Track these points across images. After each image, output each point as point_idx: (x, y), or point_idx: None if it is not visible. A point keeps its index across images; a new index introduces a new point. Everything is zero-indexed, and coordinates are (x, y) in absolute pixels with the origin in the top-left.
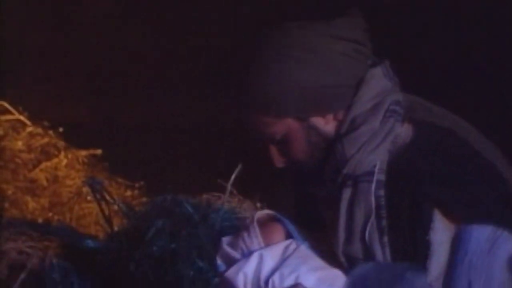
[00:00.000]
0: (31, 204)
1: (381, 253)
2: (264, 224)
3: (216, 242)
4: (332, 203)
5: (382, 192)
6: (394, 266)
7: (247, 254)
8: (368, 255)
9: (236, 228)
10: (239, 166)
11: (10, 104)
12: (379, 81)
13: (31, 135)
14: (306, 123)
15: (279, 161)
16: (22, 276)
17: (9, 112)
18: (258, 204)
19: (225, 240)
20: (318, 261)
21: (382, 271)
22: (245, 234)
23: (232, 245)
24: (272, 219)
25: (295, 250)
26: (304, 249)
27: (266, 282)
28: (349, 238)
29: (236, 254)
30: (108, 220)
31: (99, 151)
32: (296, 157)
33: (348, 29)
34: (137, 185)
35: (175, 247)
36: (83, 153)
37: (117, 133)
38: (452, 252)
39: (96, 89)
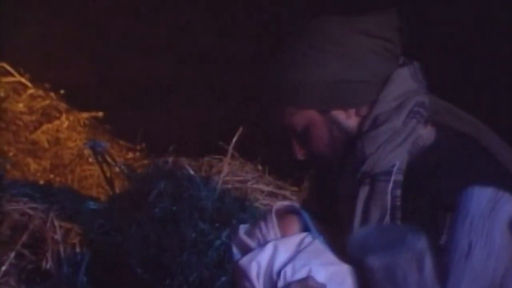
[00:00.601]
0: (33, 166)
1: None
2: (282, 215)
3: (217, 204)
4: (349, 200)
5: (398, 193)
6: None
7: (263, 244)
8: None
9: (238, 190)
10: (241, 129)
11: (11, 66)
12: (405, 81)
13: (32, 97)
14: (328, 116)
15: (299, 153)
16: (24, 237)
17: (10, 74)
18: (259, 167)
19: (242, 228)
20: (331, 256)
21: (382, 234)
22: (262, 224)
23: (249, 233)
24: (290, 211)
25: (310, 243)
26: (319, 243)
27: (278, 273)
28: None
29: (251, 243)
30: (110, 182)
31: (100, 114)
32: (316, 150)
33: (379, 27)
34: (138, 147)
35: (176, 209)
36: (85, 115)
37: (118, 95)
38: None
39: (97, 51)
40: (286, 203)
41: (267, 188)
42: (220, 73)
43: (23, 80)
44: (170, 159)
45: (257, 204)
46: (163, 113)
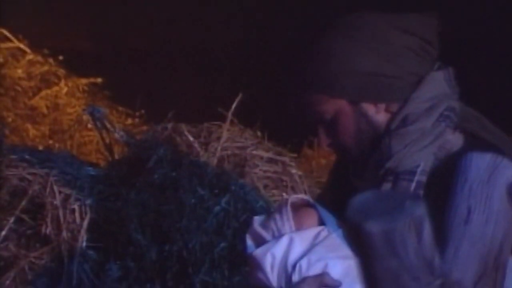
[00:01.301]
0: (32, 131)
1: None
2: (297, 208)
3: (216, 170)
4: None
5: (420, 194)
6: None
7: (278, 237)
8: None
9: (237, 156)
10: (240, 95)
11: (10, 32)
12: (439, 85)
13: (31, 63)
14: (358, 108)
15: (325, 142)
16: (24, 202)
17: (9, 40)
18: (259, 133)
19: (257, 219)
20: (347, 251)
21: (381, 200)
22: (277, 216)
23: (264, 225)
24: (306, 204)
25: (326, 237)
26: (335, 238)
27: (294, 266)
28: None
29: (266, 235)
30: (109, 148)
31: (99, 80)
32: (342, 140)
33: (419, 26)
34: (137, 113)
35: (175, 176)
36: (84, 81)
37: (117, 61)
38: (452, 180)
39: (96, 17)
40: (301, 196)
41: (266, 154)
42: (219, 39)
43: (21, 46)
44: (169, 125)
45: (256, 171)
46: (163, 79)
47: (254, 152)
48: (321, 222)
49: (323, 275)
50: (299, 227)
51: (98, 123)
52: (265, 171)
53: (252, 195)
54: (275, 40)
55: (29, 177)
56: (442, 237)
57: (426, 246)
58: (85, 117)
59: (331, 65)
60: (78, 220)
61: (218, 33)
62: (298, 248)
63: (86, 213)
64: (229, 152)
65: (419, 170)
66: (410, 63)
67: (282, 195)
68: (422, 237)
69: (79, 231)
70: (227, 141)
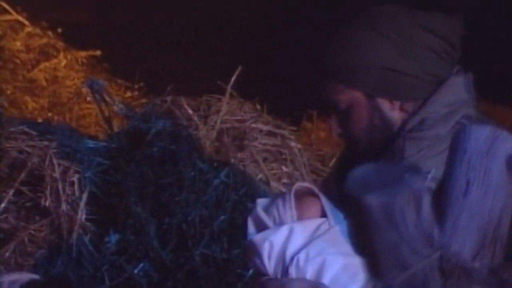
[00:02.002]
0: (31, 104)
1: None
2: (300, 197)
3: (215, 143)
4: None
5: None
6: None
7: (278, 224)
8: None
9: (237, 130)
10: (239, 68)
11: (8, 4)
12: (458, 91)
13: (30, 35)
14: (373, 102)
15: (336, 130)
16: (23, 175)
17: (8, 12)
18: (258, 106)
19: (260, 203)
20: (347, 246)
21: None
22: (280, 203)
23: (266, 210)
24: (310, 193)
25: (326, 231)
26: (336, 232)
27: (291, 259)
28: None
29: (268, 221)
30: (108, 121)
31: (98, 52)
32: (353, 131)
33: (444, 28)
34: (136, 86)
35: (175, 149)
36: (83, 54)
37: (116, 34)
38: (450, 152)
39: None
40: (306, 184)
41: (265, 128)
42: (218, 13)
43: (20, 18)
44: (169, 98)
45: (255, 144)
46: (162, 52)
47: (253, 125)
48: (324, 213)
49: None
50: (301, 217)
51: (97, 96)
52: (264, 144)
53: (251, 168)
54: (275, 14)
55: (28, 149)
56: (441, 210)
57: (425, 219)
58: (84, 90)
59: (351, 56)
60: (77, 192)
61: (217, 7)
62: (297, 240)
63: (85, 186)
64: (228, 125)
65: (429, 176)
66: (431, 64)
67: (281, 168)
68: (421, 209)
69: (78, 204)
70: (226, 114)
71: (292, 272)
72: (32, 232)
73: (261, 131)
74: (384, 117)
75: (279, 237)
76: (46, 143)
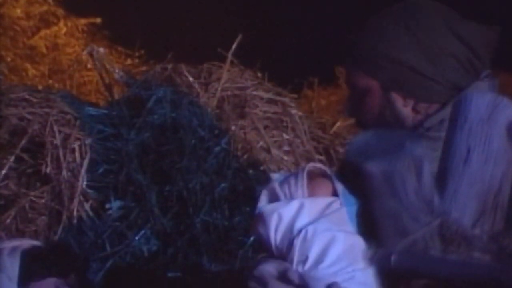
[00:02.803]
0: (31, 71)
1: None
2: (313, 177)
3: (216, 111)
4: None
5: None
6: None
7: (289, 199)
8: None
9: (238, 97)
10: (240, 36)
11: None
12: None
13: (30, 2)
14: (387, 95)
15: (348, 110)
16: (23, 141)
17: None
18: (259, 74)
19: (276, 177)
20: (354, 228)
21: (382, 139)
22: (292, 181)
23: (281, 185)
24: (322, 175)
25: (336, 210)
26: (345, 212)
27: (299, 231)
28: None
29: (281, 195)
30: (109, 88)
31: (98, 20)
32: (364, 116)
33: (475, 38)
34: (137, 53)
35: (175, 116)
36: (83, 21)
37: (116, 1)
38: (451, 120)
39: None
40: (319, 165)
41: (266, 95)
42: None
43: None
44: (169, 66)
45: (256, 111)
46: (162, 19)
47: (254, 93)
48: (335, 195)
49: (333, 285)
50: (312, 196)
51: (98, 63)
52: (265, 112)
53: (252, 136)
54: None
55: (29, 116)
56: (441, 177)
57: (426, 186)
58: (85, 57)
59: (377, 47)
60: (78, 159)
61: None
62: (306, 215)
63: (86, 153)
64: (229, 92)
65: None
66: (452, 72)
67: (282, 136)
68: (422, 177)
69: (79, 171)
70: (227, 82)
71: (297, 244)
72: (33, 198)
73: (262, 98)
74: (396, 112)
75: (289, 210)
76: (46, 110)
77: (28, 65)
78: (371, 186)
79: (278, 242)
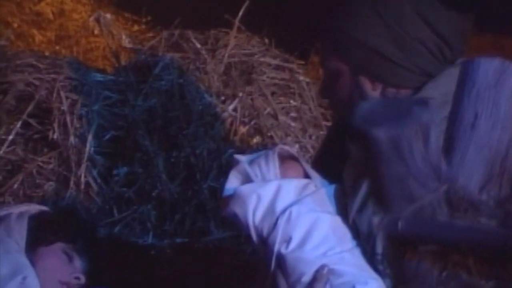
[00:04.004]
0: (38, 37)
1: (382, 240)
2: (283, 159)
3: (223, 77)
4: (360, 166)
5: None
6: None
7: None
8: (371, 234)
9: (245, 63)
10: (247, 2)
11: None
12: (451, 83)
13: None
14: (356, 79)
15: (320, 90)
16: (30, 107)
17: None
18: (266, 40)
19: (244, 159)
20: (333, 209)
21: (388, 106)
22: (263, 162)
23: (251, 166)
24: (291, 157)
25: (315, 191)
26: (323, 193)
27: (283, 211)
28: (361, 209)
29: (253, 176)
30: (116, 55)
31: None
32: (335, 99)
33: (444, 24)
34: (144, 20)
35: (182, 82)
36: None
37: None
38: (459, 85)
39: None
40: (287, 148)
41: (273, 61)
42: None
43: None
44: (176, 32)
45: (263, 78)
46: None
47: (262, 59)
48: (306, 176)
49: (323, 267)
50: (284, 176)
51: (105, 30)
52: (272, 78)
53: (259, 102)
54: None
55: (36, 82)
56: (448, 142)
57: (433, 152)
58: (92, 23)
59: (347, 31)
60: (85, 125)
61: None
62: (287, 195)
63: (93, 119)
64: (236, 59)
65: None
66: (420, 58)
67: (289, 102)
68: (429, 143)
69: (86, 137)
70: (234, 48)
71: (281, 224)
72: (40, 164)
73: (269, 65)
74: (364, 95)
75: (267, 191)
76: (53, 76)
77: (34, 31)
78: (378, 152)
79: (257, 222)
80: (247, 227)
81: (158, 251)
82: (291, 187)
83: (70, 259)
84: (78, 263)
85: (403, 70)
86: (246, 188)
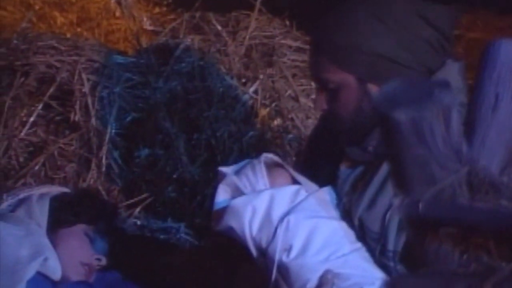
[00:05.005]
0: (59, 19)
1: (394, 237)
2: (269, 167)
3: (244, 60)
4: (366, 169)
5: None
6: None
7: (253, 192)
8: (381, 231)
9: (266, 46)
10: None
11: None
12: (454, 76)
13: None
14: (363, 87)
15: (320, 107)
16: (52, 89)
17: None
18: (287, 22)
19: (229, 171)
20: (330, 212)
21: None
22: (250, 173)
23: (238, 177)
24: (277, 165)
25: (307, 197)
26: (315, 198)
27: (281, 220)
28: (371, 208)
29: (244, 188)
30: (137, 37)
31: None
32: (338, 112)
33: (443, 20)
34: (165, 2)
35: (203, 64)
36: None
37: None
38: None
39: None
40: (271, 156)
41: (294, 44)
42: None
43: None
44: (197, 14)
45: (284, 60)
46: None
47: (282, 41)
48: (294, 182)
49: (327, 272)
50: (273, 185)
51: (126, 12)
52: (293, 60)
53: (280, 84)
54: None
55: (57, 64)
56: (469, 125)
57: (454, 134)
58: (113, 5)
59: (349, 39)
60: (106, 107)
61: None
62: (281, 204)
63: (114, 101)
64: (257, 41)
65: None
66: (426, 56)
67: (310, 84)
68: (450, 125)
69: (107, 119)
70: (255, 30)
71: (280, 233)
72: (62, 146)
73: (290, 47)
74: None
75: (262, 202)
76: (75, 58)
77: (56, 13)
78: (399, 135)
79: (254, 233)
80: (244, 239)
81: (178, 232)
82: (284, 195)
83: (91, 241)
84: (99, 244)
85: (410, 71)
86: (239, 201)
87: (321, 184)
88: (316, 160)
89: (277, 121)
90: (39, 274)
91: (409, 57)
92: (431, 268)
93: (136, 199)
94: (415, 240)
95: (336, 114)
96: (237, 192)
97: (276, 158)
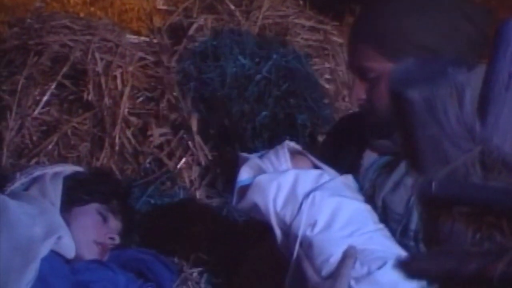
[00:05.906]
0: None
1: (416, 220)
2: (292, 154)
3: (257, 39)
4: (393, 158)
5: None
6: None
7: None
8: (405, 213)
9: (279, 25)
10: None
11: None
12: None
13: None
14: None
15: (357, 97)
16: (65, 68)
17: None
18: (301, 2)
19: (251, 156)
20: (354, 194)
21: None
22: (273, 157)
23: (262, 161)
24: (298, 152)
25: (330, 180)
26: (338, 181)
27: (307, 195)
28: (395, 190)
29: (267, 169)
30: (150, 16)
31: None
32: (375, 102)
33: (480, 16)
34: None
35: (216, 44)
36: None
37: None
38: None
39: None
40: (292, 143)
41: (308, 23)
42: None
43: None
44: None
45: (298, 39)
46: None
47: (296, 20)
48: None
49: (350, 249)
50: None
51: None
52: (306, 40)
53: (293, 64)
54: None
55: (71, 43)
56: (483, 103)
57: (467, 113)
58: None
59: (396, 29)
60: (120, 87)
61: None
62: (305, 184)
63: (127, 80)
64: (270, 20)
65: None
66: (465, 51)
67: (324, 64)
68: (464, 103)
69: (121, 98)
70: (268, 10)
71: (305, 208)
72: (75, 125)
73: (303, 26)
74: None
75: (287, 179)
76: (88, 37)
77: None
78: (413, 114)
79: (279, 209)
80: (268, 215)
81: (190, 210)
82: (309, 176)
83: (105, 219)
84: (112, 223)
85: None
86: (265, 177)
87: (342, 173)
88: (337, 152)
89: (290, 101)
90: (53, 252)
91: (451, 50)
92: (444, 247)
93: (149, 177)
94: (428, 219)
95: (373, 105)
96: (261, 172)
97: (298, 146)
